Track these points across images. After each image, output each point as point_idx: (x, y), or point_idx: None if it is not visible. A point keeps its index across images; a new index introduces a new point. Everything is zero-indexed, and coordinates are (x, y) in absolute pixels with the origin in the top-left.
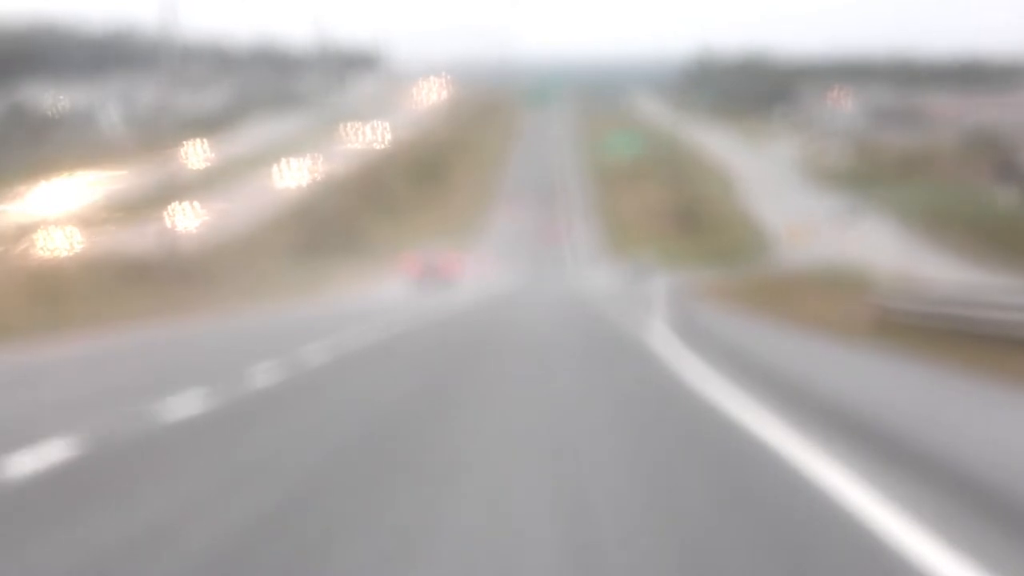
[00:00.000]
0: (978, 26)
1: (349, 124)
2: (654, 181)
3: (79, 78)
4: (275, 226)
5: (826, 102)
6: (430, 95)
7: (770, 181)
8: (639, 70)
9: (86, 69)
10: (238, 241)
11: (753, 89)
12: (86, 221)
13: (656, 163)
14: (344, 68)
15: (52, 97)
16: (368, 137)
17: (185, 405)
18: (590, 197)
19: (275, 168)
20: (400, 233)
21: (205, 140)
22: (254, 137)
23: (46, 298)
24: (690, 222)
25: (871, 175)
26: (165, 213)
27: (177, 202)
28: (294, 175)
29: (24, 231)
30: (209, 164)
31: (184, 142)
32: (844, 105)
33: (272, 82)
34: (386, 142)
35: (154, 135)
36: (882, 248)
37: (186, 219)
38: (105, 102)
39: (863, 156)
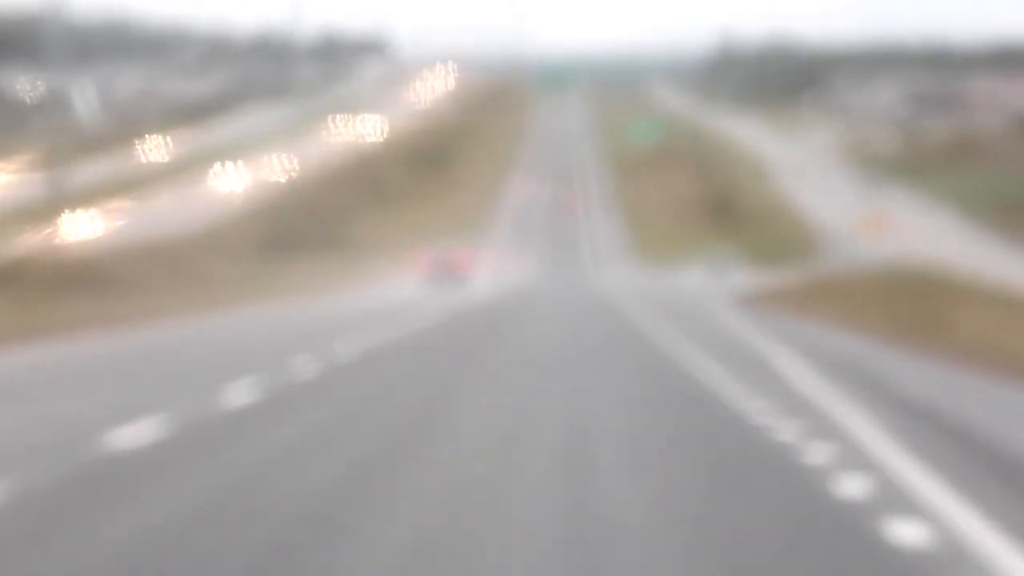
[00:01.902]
0: (1012, 11)
1: (339, 116)
2: (679, 170)
3: (62, 65)
4: (237, 225)
5: (861, 89)
6: (437, 84)
7: (810, 170)
8: (656, 62)
9: (72, 57)
10: (181, 242)
11: (778, 77)
12: None
13: (680, 151)
14: (346, 57)
15: (30, 83)
16: (359, 130)
17: None
18: (610, 187)
19: (214, 169)
20: (398, 228)
21: (168, 134)
22: (237, 128)
23: None
24: (724, 214)
25: (919, 162)
26: (59, 218)
27: (81, 207)
28: (237, 178)
29: None
30: (169, 158)
31: (146, 135)
32: (882, 91)
33: (270, 71)
34: (380, 135)
35: (131, 124)
36: (949, 243)
37: (84, 225)
38: (84, 90)
39: (909, 143)
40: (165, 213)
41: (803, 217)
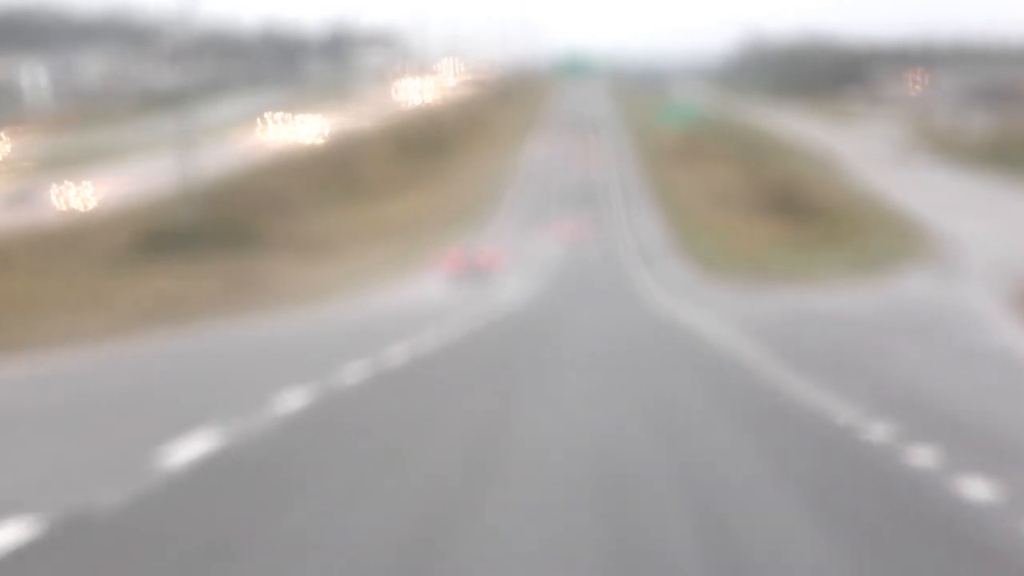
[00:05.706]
0: None
1: (277, 115)
2: (721, 160)
3: (17, 49)
4: (100, 226)
5: (910, 82)
6: (444, 76)
7: (887, 160)
8: (680, 63)
9: (26, 41)
10: None
11: (812, 72)
12: None
13: (720, 139)
14: (352, 48)
15: None
16: (297, 131)
17: None
18: (642, 180)
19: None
20: (376, 223)
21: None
22: (195, 119)
23: None
24: (794, 211)
25: (1009, 152)
26: None
27: None
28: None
29: None
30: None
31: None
32: (935, 84)
33: (271, 62)
34: (319, 138)
35: (87, 110)
36: None
37: None
38: (36, 73)
39: (1002, 132)
40: None
41: (903, 212)
